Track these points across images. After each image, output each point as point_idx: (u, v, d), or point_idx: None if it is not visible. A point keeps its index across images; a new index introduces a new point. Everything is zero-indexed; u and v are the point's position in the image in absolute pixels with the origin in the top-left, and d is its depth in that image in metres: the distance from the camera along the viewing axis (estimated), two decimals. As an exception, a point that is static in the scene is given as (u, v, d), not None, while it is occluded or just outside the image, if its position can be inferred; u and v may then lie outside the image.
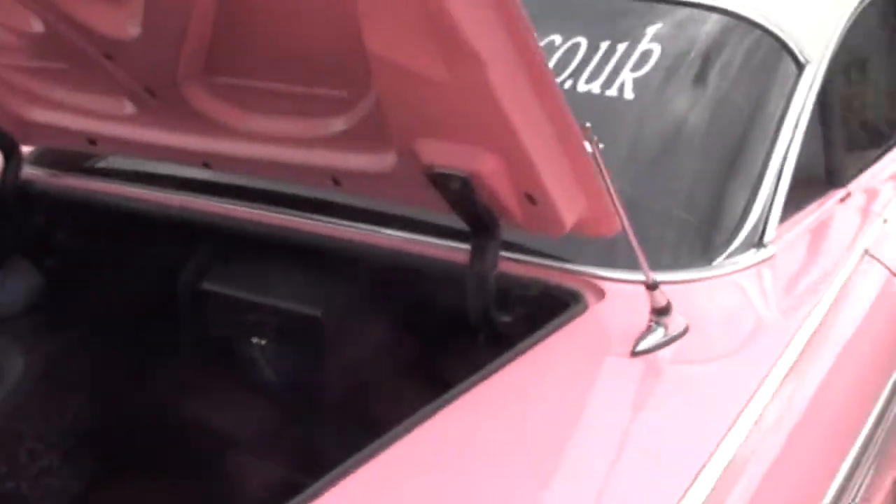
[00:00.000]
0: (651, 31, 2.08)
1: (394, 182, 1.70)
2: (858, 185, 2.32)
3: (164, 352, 2.34)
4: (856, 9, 2.36)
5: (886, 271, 1.99)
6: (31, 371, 2.14)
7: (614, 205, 1.42)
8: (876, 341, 1.89)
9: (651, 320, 1.44)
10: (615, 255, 1.72)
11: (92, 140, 2.15)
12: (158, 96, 1.86)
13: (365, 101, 1.61)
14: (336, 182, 1.82)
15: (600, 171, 1.41)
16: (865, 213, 2.20)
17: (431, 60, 1.35)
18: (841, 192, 2.23)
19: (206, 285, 2.26)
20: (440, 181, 1.56)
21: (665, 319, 1.43)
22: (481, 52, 1.30)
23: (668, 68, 2.03)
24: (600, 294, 1.61)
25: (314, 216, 1.98)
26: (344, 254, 1.94)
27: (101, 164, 2.41)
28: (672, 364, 1.44)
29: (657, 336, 1.43)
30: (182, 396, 2.29)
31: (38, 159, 2.42)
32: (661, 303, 1.43)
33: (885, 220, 2.17)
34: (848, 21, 2.31)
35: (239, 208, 2.07)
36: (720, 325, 1.59)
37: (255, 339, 2.17)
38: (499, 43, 1.31)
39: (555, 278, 1.68)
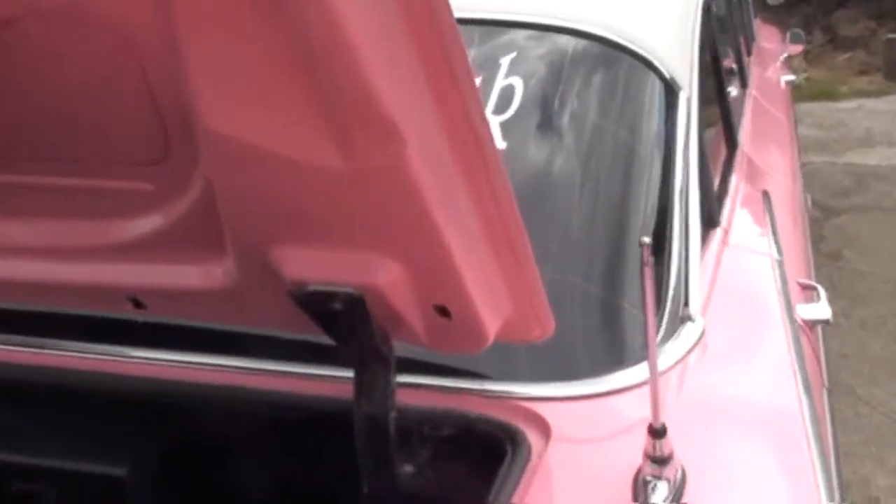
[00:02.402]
0: (506, 62, 1.69)
1: (227, 301, 1.20)
2: (726, 219, 2.05)
3: None
4: (700, 22, 2.09)
5: (804, 329, 1.72)
6: None
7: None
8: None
9: (649, 473, 1.03)
10: (537, 362, 1.31)
11: None
12: None
13: (183, 195, 1.09)
14: (138, 304, 1.28)
15: (645, 289, 0.99)
16: (755, 254, 1.93)
17: (316, 139, 0.87)
18: (719, 232, 1.95)
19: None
20: (312, 301, 1.08)
21: (668, 470, 1.03)
22: (402, 125, 0.84)
23: (538, 107, 1.64)
24: (542, 426, 1.19)
25: (96, 347, 1.42)
26: (150, 396, 1.40)
27: None
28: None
29: (662, 494, 1.02)
30: None
31: None
32: (667, 451, 1.03)
33: (777, 261, 1.91)
34: (698, 36, 2.03)
35: None
36: (705, 453, 1.20)
37: (27, 517, 1.58)
38: (427, 109, 0.85)
39: (471, 407, 1.24)
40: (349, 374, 1.26)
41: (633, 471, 1.08)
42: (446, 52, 0.83)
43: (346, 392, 1.26)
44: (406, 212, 0.93)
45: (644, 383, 1.25)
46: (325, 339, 1.27)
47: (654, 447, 1.02)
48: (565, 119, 1.66)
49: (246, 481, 1.48)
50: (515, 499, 1.07)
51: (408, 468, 1.24)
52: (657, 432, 1.02)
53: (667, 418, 1.18)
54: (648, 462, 1.03)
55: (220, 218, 1.07)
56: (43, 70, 0.98)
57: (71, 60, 0.96)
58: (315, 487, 1.37)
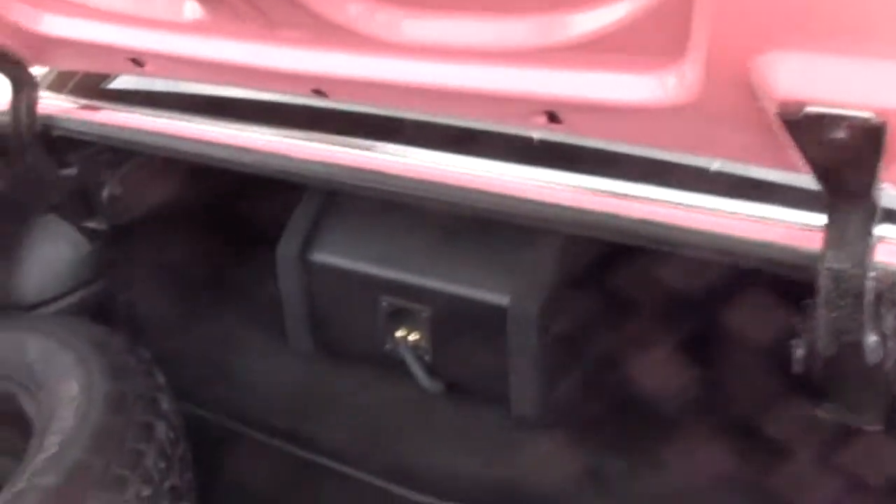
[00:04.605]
0: None
1: (673, 120, 0.99)
2: None
3: (270, 347, 1.69)
4: None
5: None
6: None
7: None
8: None
9: None
10: None
11: (138, 60, 1.44)
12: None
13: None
14: (553, 118, 1.10)
15: None
16: None
17: None
18: None
19: (319, 255, 1.59)
20: (807, 127, 0.85)
21: None
22: None
23: None
24: None
25: (491, 164, 1.27)
26: (547, 223, 1.24)
27: (144, 87, 1.70)
28: None
29: None
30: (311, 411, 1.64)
31: (56, 83, 1.73)
32: None
33: None
34: None
35: (366, 154, 1.36)
36: None
37: (400, 333, 1.51)
38: None
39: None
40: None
41: None
42: None
43: (790, 238, 1.04)
44: None
45: None
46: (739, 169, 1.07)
47: None
48: None
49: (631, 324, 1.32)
50: None
51: (871, 336, 1.01)
52: None
53: None
54: None
55: (694, 13, 0.85)
56: None
57: None
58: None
